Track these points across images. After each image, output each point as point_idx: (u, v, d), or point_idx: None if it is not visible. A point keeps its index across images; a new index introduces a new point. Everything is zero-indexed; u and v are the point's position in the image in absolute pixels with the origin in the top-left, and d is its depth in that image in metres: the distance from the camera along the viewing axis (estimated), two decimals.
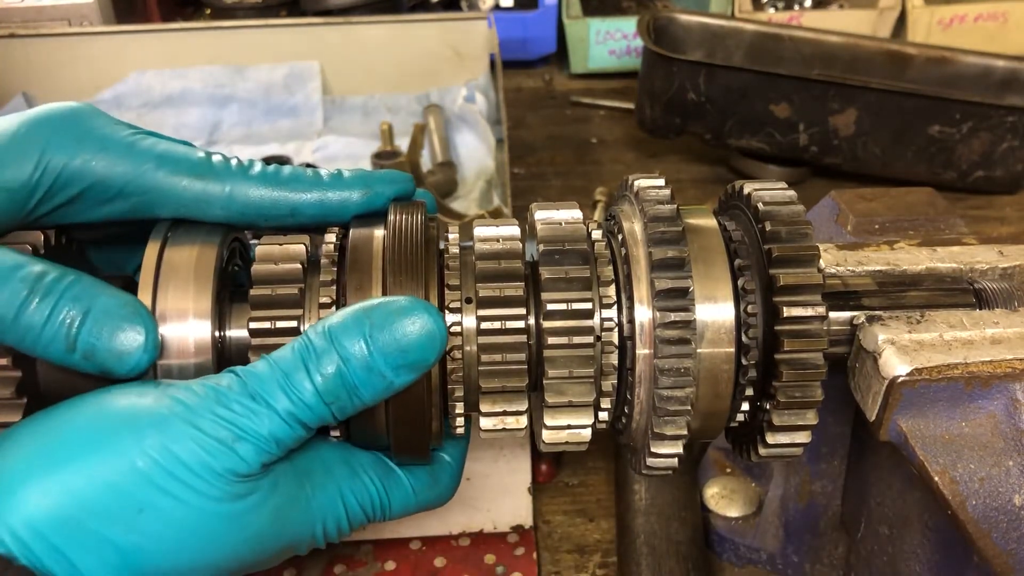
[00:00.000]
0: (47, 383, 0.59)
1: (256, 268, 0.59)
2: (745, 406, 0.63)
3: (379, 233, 0.61)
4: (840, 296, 0.65)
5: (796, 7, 2.08)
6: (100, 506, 0.51)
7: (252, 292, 0.58)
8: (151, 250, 0.59)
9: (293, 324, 0.57)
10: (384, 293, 0.58)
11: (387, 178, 0.64)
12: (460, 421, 0.62)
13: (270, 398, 0.54)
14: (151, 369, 0.57)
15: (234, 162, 0.61)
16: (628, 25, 1.98)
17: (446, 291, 0.60)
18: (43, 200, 0.58)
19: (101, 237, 0.67)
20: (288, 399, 0.54)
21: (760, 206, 0.62)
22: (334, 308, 0.59)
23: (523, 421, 0.61)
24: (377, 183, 0.63)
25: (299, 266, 0.59)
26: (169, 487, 0.52)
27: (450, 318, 0.59)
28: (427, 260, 0.59)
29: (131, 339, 0.55)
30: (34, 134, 0.57)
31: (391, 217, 0.61)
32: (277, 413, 0.54)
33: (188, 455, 0.52)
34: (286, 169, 0.62)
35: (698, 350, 0.59)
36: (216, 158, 0.61)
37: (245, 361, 0.58)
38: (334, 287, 0.59)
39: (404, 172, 0.66)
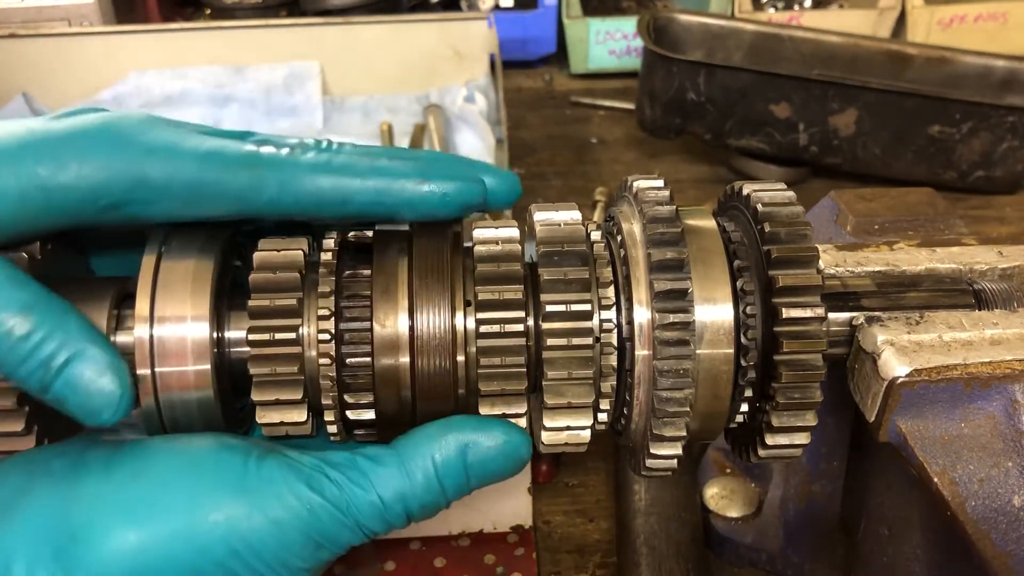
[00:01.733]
0: None
1: (254, 277, 0.58)
2: (744, 407, 0.63)
3: (404, 235, 0.62)
4: (839, 297, 0.65)
5: (796, 7, 2.08)
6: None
7: (251, 303, 0.58)
8: (148, 258, 0.59)
9: (292, 335, 0.57)
10: (410, 295, 0.59)
11: (448, 174, 0.60)
12: None
13: (363, 525, 0.56)
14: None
15: (285, 151, 0.58)
16: (628, 25, 1.98)
17: None
18: (78, 209, 0.56)
19: (116, 241, 0.67)
20: (382, 527, 0.56)
21: (759, 207, 0.62)
22: (333, 320, 0.59)
23: (522, 423, 0.61)
24: (436, 177, 0.59)
25: (297, 275, 0.58)
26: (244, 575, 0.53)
27: None
28: (452, 261, 0.60)
29: (100, 401, 0.54)
30: (82, 145, 0.56)
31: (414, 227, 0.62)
32: (364, 533, 0.56)
33: (270, 555, 0.53)
34: (343, 153, 0.59)
35: (697, 351, 0.59)
36: (266, 149, 0.58)
37: (244, 369, 0.58)
38: (332, 298, 0.59)
39: (474, 172, 0.61)
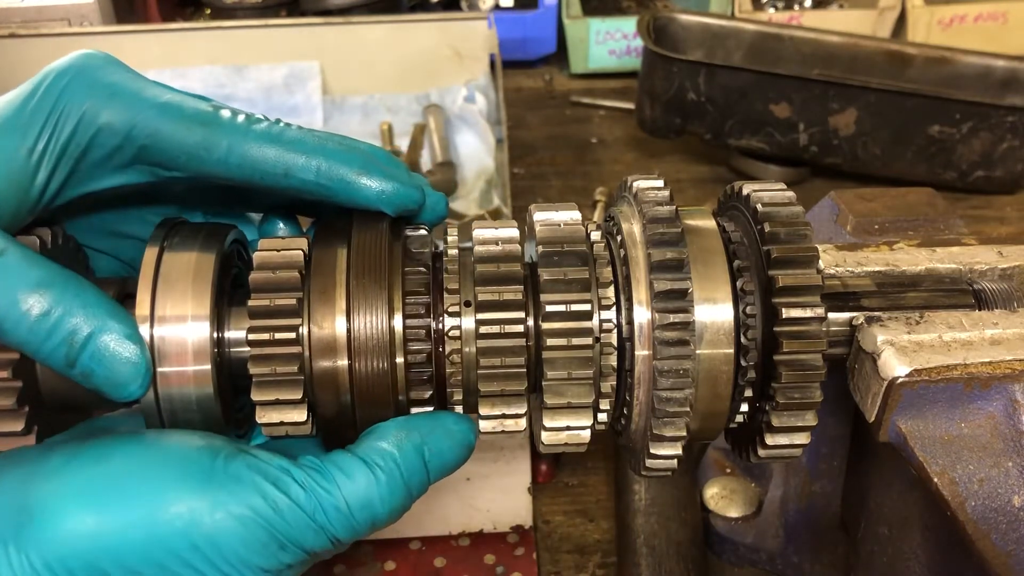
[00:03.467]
0: (48, 391, 0.59)
1: (254, 276, 0.58)
2: (744, 407, 0.63)
3: (343, 236, 0.61)
4: (839, 297, 0.65)
5: (796, 7, 2.08)
6: (130, 565, 0.52)
7: (251, 303, 0.58)
8: (149, 253, 0.59)
9: (292, 335, 0.57)
10: (348, 297, 0.58)
11: (389, 174, 0.61)
12: None
13: (328, 530, 0.55)
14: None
15: (241, 117, 0.60)
16: (628, 25, 1.98)
17: (445, 295, 0.60)
18: (59, 162, 0.57)
19: (105, 226, 0.67)
20: (348, 534, 0.56)
21: (759, 207, 0.62)
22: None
23: (522, 423, 0.61)
24: (376, 173, 0.61)
25: (297, 275, 0.58)
26: (204, 570, 0.53)
27: (449, 321, 0.59)
28: (391, 263, 0.59)
29: (128, 371, 0.55)
30: (48, 95, 0.58)
31: (356, 220, 0.61)
32: (328, 538, 0.55)
33: (231, 551, 0.53)
34: (293, 129, 0.61)
35: (697, 351, 0.59)
36: (224, 112, 0.60)
37: (244, 369, 0.58)
38: None
39: (414, 179, 0.63)
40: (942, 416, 0.61)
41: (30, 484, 0.53)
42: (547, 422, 0.60)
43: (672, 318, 0.58)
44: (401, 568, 0.96)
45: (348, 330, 0.57)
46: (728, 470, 1.01)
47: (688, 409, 0.59)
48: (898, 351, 0.60)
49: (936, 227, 0.80)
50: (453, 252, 0.62)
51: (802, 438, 0.62)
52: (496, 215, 1.40)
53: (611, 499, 1.05)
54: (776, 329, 0.59)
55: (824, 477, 0.86)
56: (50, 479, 0.53)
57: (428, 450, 0.57)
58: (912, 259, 0.71)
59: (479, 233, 0.62)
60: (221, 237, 0.61)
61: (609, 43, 2.02)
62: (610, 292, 0.60)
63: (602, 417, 0.63)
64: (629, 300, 0.60)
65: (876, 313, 0.64)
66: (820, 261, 0.62)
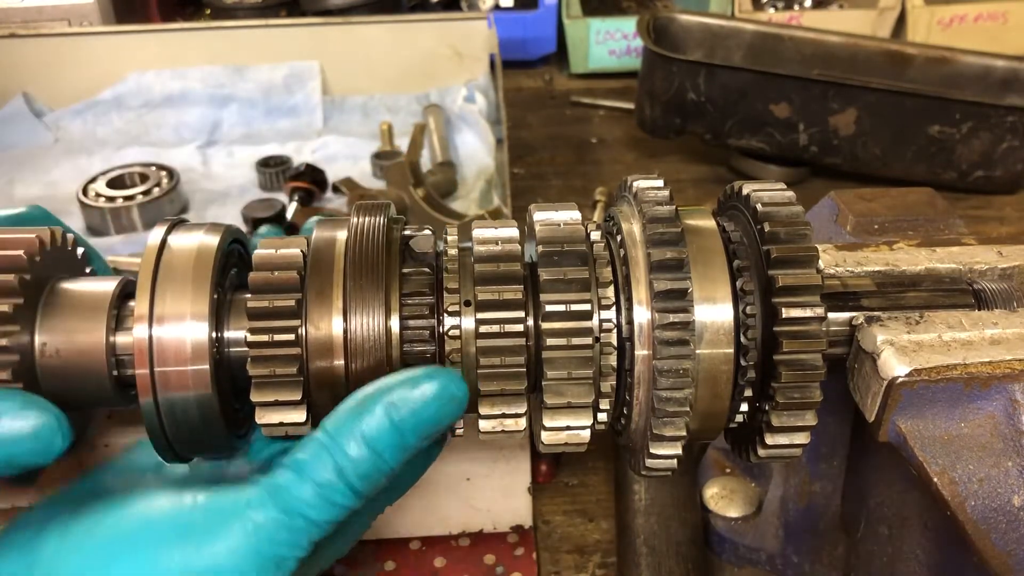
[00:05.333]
0: (48, 393, 0.59)
1: (253, 277, 0.58)
2: (744, 407, 0.63)
3: (341, 236, 0.61)
4: (839, 297, 0.65)
5: (796, 7, 2.08)
6: None
7: (249, 304, 0.58)
8: (149, 252, 0.59)
9: (291, 337, 0.57)
10: (345, 298, 0.58)
11: None
12: (459, 423, 0.62)
13: (311, 518, 0.55)
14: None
15: None
16: (628, 25, 1.99)
17: (445, 294, 0.60)
18: None
19: None
20: (332, 512, 0.55)
21: (759, 207, 0.62)
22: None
23: (522, 423, 0.61)
24: None
25: (296, 275, 0.58)
26: None
27: (449, 321, 0.59)
28: (388, 263, 0.59)
29: (43, 436, 0.54)
30: None
31: (353, 220, 0.61)
32: (317, 526, 0.55)
33: None
34: None
35: (697, 351, 0.59)
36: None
37: (243, 369, 0.58)
38: None
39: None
40: (942, 416, 0.61)
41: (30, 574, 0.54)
42: (547, 422, 0.60)
43: (672, 318, 0.58)
44: (401, 568, 0.96)
45: (345, 331, 0.57)
46: (728, 470, 1.01)
47: (688, 409, 0.59)
48: (898, 351, 0.60)
49: (936, 227, 0.80)
50: (453, 252, 0.62)
51: (802, 438, 0.62)
52: (496, 215, 1.40)
53: (611, 499, 1.05)
54: (776, 329, 0.59)
55: (824, 477, 0.85)
56: (48, 568, 0.54)
57: (396, 409, 0.56)
58: (912, 259, 0.71)
59: (479, 233, 0.62)
60: (222, 236, 0.61)
61: (609, 43, 2.02)
62: (610, 292, 0.60)
63: (602, 417, 0.63)
64: (629, 300, 0.60)
65: (876, 313, 0.64)
66: (820, 261, 0.62)
